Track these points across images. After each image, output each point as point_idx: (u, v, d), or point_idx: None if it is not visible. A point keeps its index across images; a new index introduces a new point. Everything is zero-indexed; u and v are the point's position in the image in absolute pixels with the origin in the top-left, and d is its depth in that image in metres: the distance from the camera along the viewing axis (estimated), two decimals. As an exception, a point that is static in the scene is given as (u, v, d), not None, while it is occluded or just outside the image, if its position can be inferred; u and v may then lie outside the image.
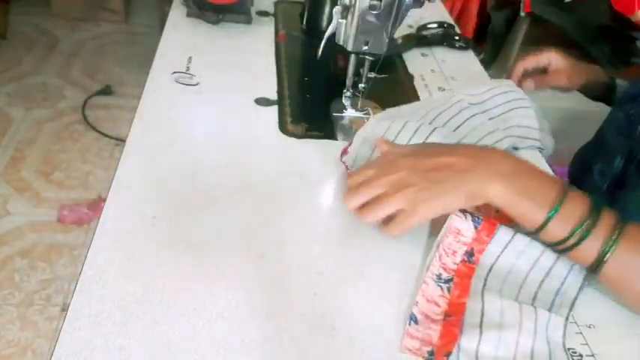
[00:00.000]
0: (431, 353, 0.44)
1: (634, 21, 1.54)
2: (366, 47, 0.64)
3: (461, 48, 0.93)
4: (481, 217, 0.49)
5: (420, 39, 0.92)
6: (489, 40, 1.94)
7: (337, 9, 0.63)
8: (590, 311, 0.49)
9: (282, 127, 0.67)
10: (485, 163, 0.49)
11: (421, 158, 0.51)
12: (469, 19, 1.97)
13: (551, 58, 0.81)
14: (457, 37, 0.93)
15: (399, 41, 0.90)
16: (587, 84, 0.82)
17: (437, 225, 0.52)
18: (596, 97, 0.85)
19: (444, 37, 0.93)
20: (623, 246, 0.45)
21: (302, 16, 0.92)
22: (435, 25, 0.94)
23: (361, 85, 0.69)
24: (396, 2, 0.60)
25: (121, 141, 1.84)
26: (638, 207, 0.67)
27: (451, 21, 1.01)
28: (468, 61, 0.91)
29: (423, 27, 0.95)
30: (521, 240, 0.49)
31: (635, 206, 0.68)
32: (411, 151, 0.54)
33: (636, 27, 1.59)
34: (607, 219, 0.46)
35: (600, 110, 0.84)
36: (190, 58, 0.78)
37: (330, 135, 0.68)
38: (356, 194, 0.52)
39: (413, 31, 0.95)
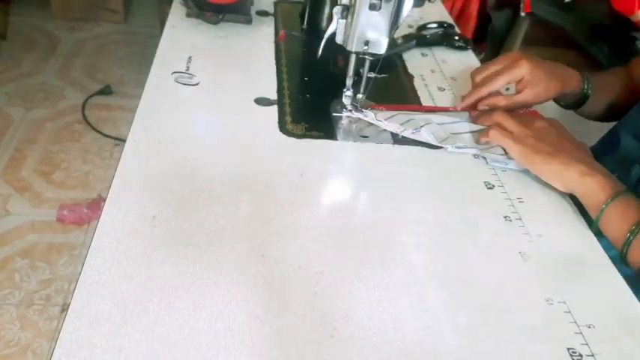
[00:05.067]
0: None
1: (634, 21, 1.54)
2: (366, 47, 0.64)
3: (461, 48, 0.93)
4: None
5: (420, 39, 0.92)
6: (489, 40, 1.94)
7: (337, 9, 0.63)
8: (590, 311, 0.49)
9: (282, 127, 0.67)
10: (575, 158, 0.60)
11: (550, 130, 0.64)
12: (469, 19, 1.97)
13: (524, 71, 0.68)
14: (457, 37, 0.93)
15: (399, 41, 0.90)
16: (561, 96, 0.74)
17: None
18: (567, 106, 0.79)
19: (444, 37, 0.93)
20: None
21: (302, 15, 0.92)
22: (435, 25, 0.94)
23: (361, 85, 0.69)
24: (396, 2, 0.60)
25: (121, 141, 1.84)
26: None
27: (451, 21, 1.01)
28: (468, 61, 0.91)
29: (423, 27, 0.94)
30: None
31: None
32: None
33: (636, 27, 1.59)
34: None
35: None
36: (190, 58, 0.78)
37: (330, 135, 0.68)
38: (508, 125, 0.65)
39: (413, 31, 0.95)
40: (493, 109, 0.69)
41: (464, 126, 0.71)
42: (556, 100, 0.77)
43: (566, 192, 0.61)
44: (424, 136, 0.67)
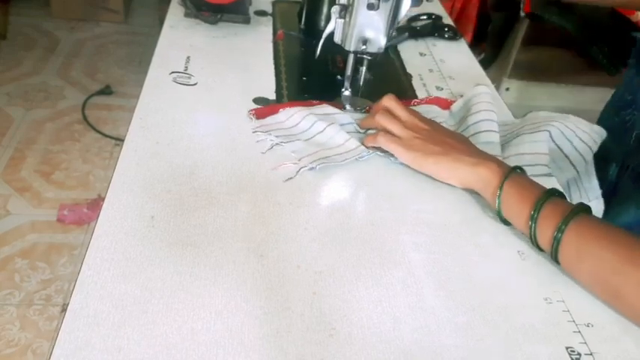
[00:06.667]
0: None
1: (634, 21, 1.54)
2: (364, 46, 0.64)
3: (450, 38, 0.96)
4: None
5: (411, 30, 0.94)
6: (489, 40, 1.94)
7: (335, 8, 0.63)
8: (588, 310, 0.49)
9: (281, 127, 0.67)
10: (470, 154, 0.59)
11: (435, 130, 0.62)
12: (469, 20, 1.98)
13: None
14: (446, 29, 0.96)
15: (393, 34, 0.90)
16: None
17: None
18: None
19: (434, 29, 0.96)
20: (572, 232, 0.49)
21: (300, 15, 0.92)
22: (425, 17, 0.98)
23: (359, 84, 0.69)
24: (394, 2, 0.60)
25: (120, 141, 1.83)
26: (631, 217, 0.66)
27: (446, 16, 1.02)
28: (467, 61, 0.91)
29: (414, 18, 0.98)
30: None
31: (628, 217, 0.67)
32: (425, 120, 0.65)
33: (636, 27, 1.59)
34: (556, 205, 0.51)
35: (601, 110, 0.83)
36: (188, 58, 0.78)
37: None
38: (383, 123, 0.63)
39: (404, 22, 0.96)
40: (376, 110, 0.66)
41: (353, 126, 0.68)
42: None
43: (463, 188, 0.60)
44: (338, 161, 0.62)
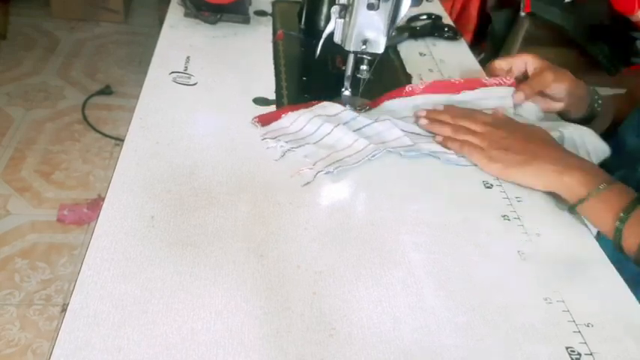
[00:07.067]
0: None
1: (634, 21, 1.54)
2: (364, 47, 0.64)
3: (450, 38, 0.96)
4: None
5: (411, 30, 0.95)
6: (489, 40, 1.94)
7: (335, 8, 0.63)
8: (588, 310, 0.49)
9: (281, 127, 0.67)
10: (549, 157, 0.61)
11: (513, 137, 0.64)
12: (469, 20, 1.98)
13: (528, 61, 0.76)
14: (446, 29, 0.97)
15: (393, 34, 0.91)
16: (573, 111, 0.76)
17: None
18: (577, 120, 0.76)
19: (434, 29, 0.96)
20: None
21: (300, 15, 0.92)
22: (424, 17, 0.99)
23: (360, 84, 0.69)
24: (394, 2, 0.60)
25: (120, 141, 1.83)
26: None
27: (445, 16, 1.03)
28: (467, 61, 0.91)
29: (414, 18, 0.98)
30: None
31: None
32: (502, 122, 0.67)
33: (636, 27, 1.59)
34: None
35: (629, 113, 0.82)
36: (188, 58, 0.78)
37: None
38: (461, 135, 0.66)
39: (403, 22, 0.96)
40: (445, 117, 0.68)
41: (396, 132, 0.67)
42: (562, 114, 0.78)
43: (546, 191, 0.62)
44: (352, 163, 0.62)
